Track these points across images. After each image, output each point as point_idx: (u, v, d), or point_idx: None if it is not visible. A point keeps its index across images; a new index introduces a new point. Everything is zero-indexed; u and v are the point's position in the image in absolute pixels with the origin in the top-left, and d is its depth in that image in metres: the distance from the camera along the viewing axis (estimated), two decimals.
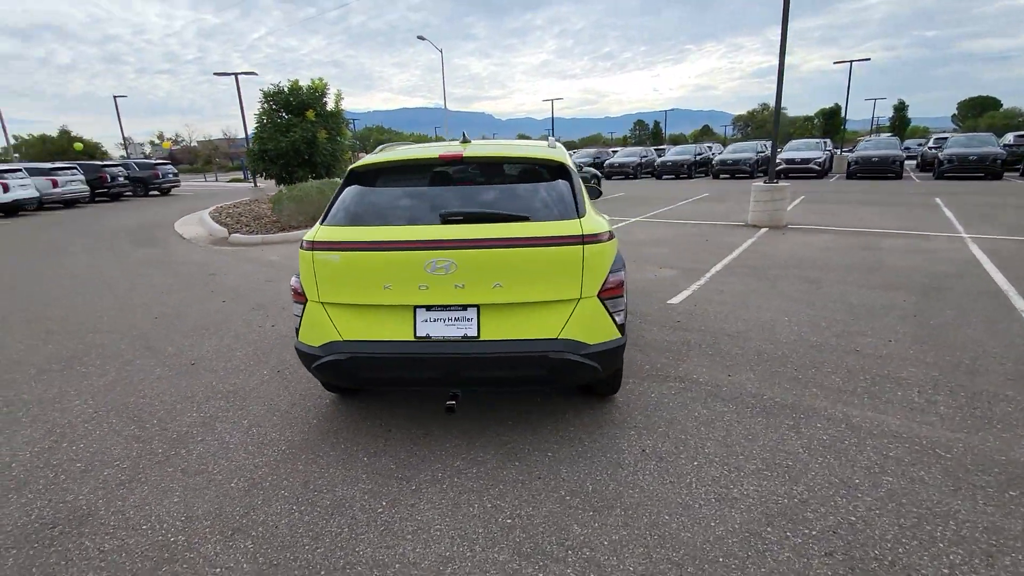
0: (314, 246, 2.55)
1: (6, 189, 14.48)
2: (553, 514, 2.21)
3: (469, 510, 2.26)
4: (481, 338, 2.49)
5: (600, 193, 5.17)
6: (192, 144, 61.22)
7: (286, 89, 13.24)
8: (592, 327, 2.58)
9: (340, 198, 2.74)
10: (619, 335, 2.69)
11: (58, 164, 18.71)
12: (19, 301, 6.19)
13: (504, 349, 2.47)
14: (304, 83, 13.66)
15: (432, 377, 2.55)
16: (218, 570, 1.97)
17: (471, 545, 2.05)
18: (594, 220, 2.62)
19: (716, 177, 21.72)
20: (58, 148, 38.99)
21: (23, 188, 16.14)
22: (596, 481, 2.43)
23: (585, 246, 2.48)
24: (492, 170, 2.78)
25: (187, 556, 2.05)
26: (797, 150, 20.26)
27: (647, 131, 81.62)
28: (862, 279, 5.73)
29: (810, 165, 19.09)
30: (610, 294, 2.61)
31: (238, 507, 2.33)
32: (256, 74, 14.26)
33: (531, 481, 2.45)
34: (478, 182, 2.74)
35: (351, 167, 2.84)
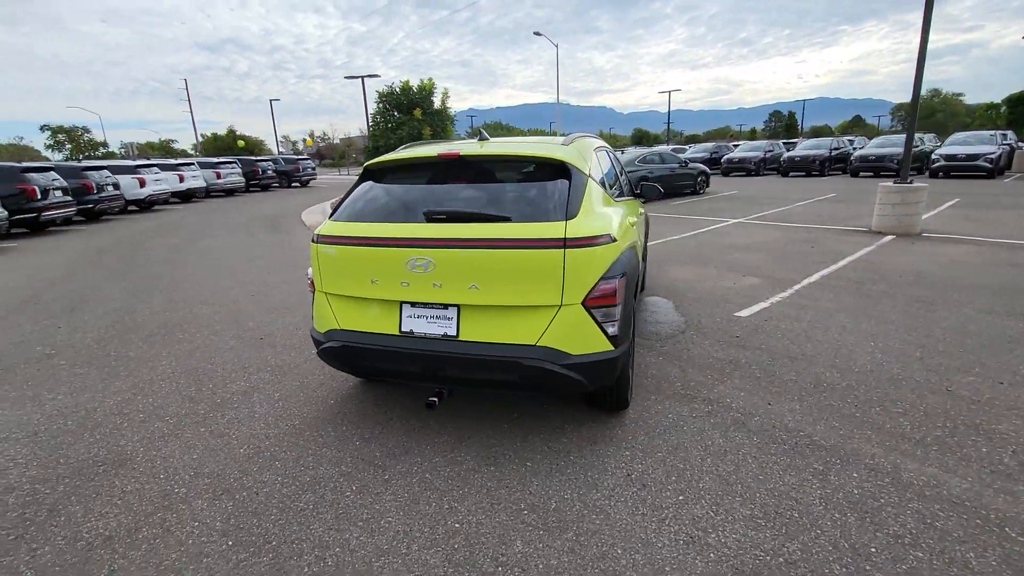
0: (318, 239, 2.73)
1: (181, 179, 17.52)
2: (503, 526, 2.14)
3: (425, 508, 2.27)
4: (460, 338, 2.48)
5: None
6: (335, 141, 68.55)
7: (398, 89, 14.23)
8: (575, 336, 2.42)
9: (350, 195, 2.89)
10: (610, 347, 2.49)
11: (221, 159, 22.15)
12: (164, 275, 7.45)
13: (480, 351, 2.43)
14: (416, 83, 14.55)
15: (415, 372, 2.60)
16: (196, 523, 2.21)
17: (409, 543, 2.06)
18: (589, 223, 2.45)
19: (855, 175, 18.98)
20: (225, 145, 46.17)
21: (194, 179, 19.34)
22: (562, 499, 2.29)
23: (567, 250, 2.33)
24: (489, 169, 2.73)
25: (180, 507, 2.33)
26: (962, 144, 16.92)
27: (783, 122, 73.92)
28: (993, 303, 4.65)
29: (977, 162, 15.81)
30: (599, 303, 2.43)
31: (236, 471, 2.59)
32: (379, 76, 15.57)
33: (498, 489, 2.38)
34: (474, 181, 2.71)
35: (365, 164, 2.97)
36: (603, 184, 3.12)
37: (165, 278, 7.17)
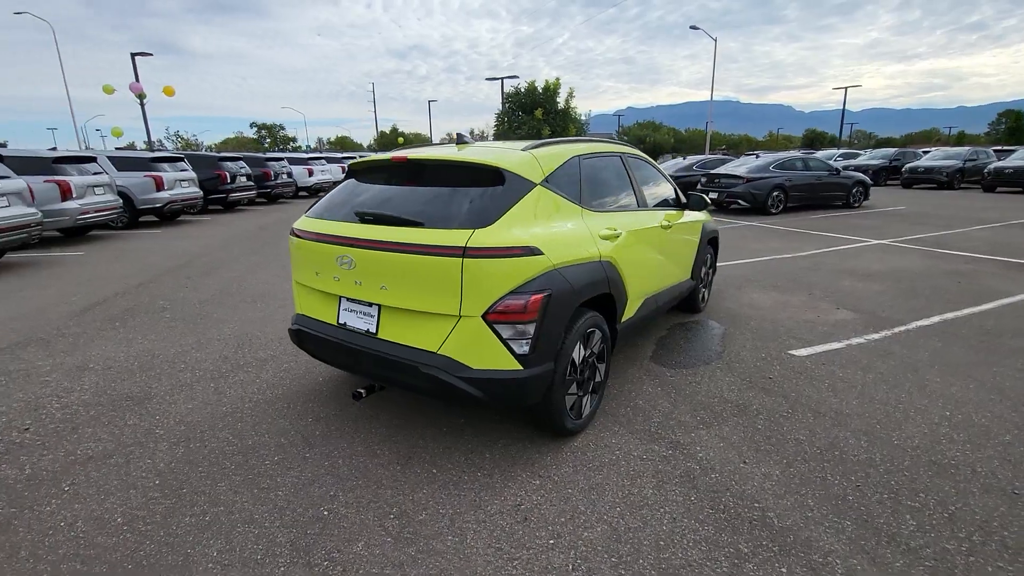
0: (291, 232, 3.01)
1: (311, 173, 20.22)
2: (361, 524, 2.16)
3: (316, 491, 2.39)
4: (378, 336, 2.55)
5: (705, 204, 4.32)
6: (489, 138, 73.19)
7: (523, 90, 14.59)
8: (475, 350, 2.32)
9: (328, 193, 3.13)
10: (518, 366, 2.34)
11: (352, 154, 25.09)
12: (270, 258, 8.76)
13: (389, 351, 2.47)
14: (542, 84, 14.77)
15: (346, 363, 2.74)
16: (148, 461, 2.63)
17: (276, 518, 2.20)
18: (503, 233, 2.31)
19: None
20: (389, 141, 51.94)
21: (323, 173, 22.05)
22: (435, 513, 2.23)
23: (465, 260, 2.24)
24: (432, 173, 2.71)
25: (149, 445, 2.79)
26: None
27: (1007, 125, 58.47)
28: None
29: None
30: (503, 318, 2.29)
31: (207, 425, 3.00)
32: (517, 77, 16.17)
33: (386, 488, 2.41)
34: (419, 185, 2.72)
35: (348, 165, 3.18)
36: (578, 194, 2.90)
37: (270, 259, 8.42)
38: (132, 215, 11.26)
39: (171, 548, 2.04)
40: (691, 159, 15.21)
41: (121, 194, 10.85)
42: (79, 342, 4.37)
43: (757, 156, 13.02)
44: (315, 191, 19.78)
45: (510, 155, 2.66)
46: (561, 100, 14.84)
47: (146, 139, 22.28)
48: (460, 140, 3.13)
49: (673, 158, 15.60)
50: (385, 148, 44.80)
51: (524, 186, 2.55)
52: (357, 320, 2.64)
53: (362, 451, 2.73)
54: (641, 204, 3.65)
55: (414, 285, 2.36)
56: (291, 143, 62.53)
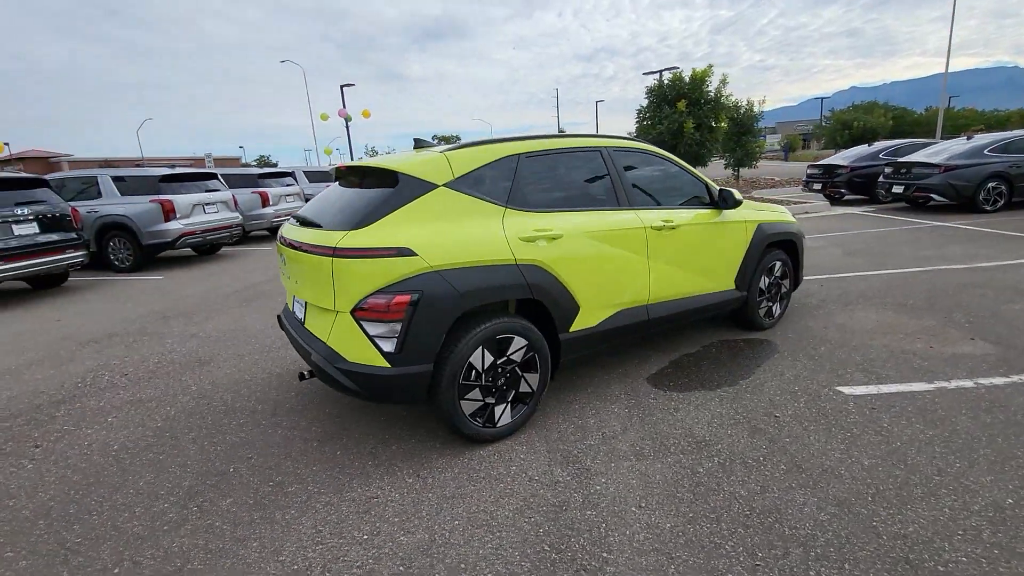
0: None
1: None
2: (241, 486, 2.47)
3: (233, 479, 2.80)
4: (305, 325, 2.84)
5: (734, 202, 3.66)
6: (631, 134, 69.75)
7: (666, 83, 13.63)
8: (349, 344, 2.44)
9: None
10: (384, 363, 2.39)
11: None
12: None
13: (305, 339, 2.74)
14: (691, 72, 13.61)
15: (295, 347, 3.10)
16: (137, 427, 3.39)
17: (163, 499, 2.66)
18: (375, 235, 2.38)
19: None
20: None
21: None
22: (301, 490, 2.42)
23: (335, 259, 2.37)
24: (356, 179, 2.87)
25: (161, 409, 3.58)
26: None
27: None
28: None
29: None
30: (368, 316, 2.36)
31: (216, 396, 3.70)
32: (679, 68, 15.04)
33: (284, 460, 2.69)
34: (351, 188, 2.91)
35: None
36: (505, 194, 2.77)
37: None
38: None
39: (142, 463, 2.65)
40: (880, 145, 12.30)
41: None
42: (209, 315, 5.70)
43: (969, 138, 9.91)
44: None
45: (414, 158, 2.70)
46: (712, 88, 13.45)
47: (350, 156, 27.10)
48: (418, 145, 3.24)
49: (869, 145, 12.83)
50: None
51: (420, 188, 2.57)
52: (299, 311, 2.99)
53: (303, 426, 3.07)
54: (626, 203, 3.27)
55: (308, 281, 2.60)
56: None
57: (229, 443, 2.91)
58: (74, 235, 7.15)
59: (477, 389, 2.64)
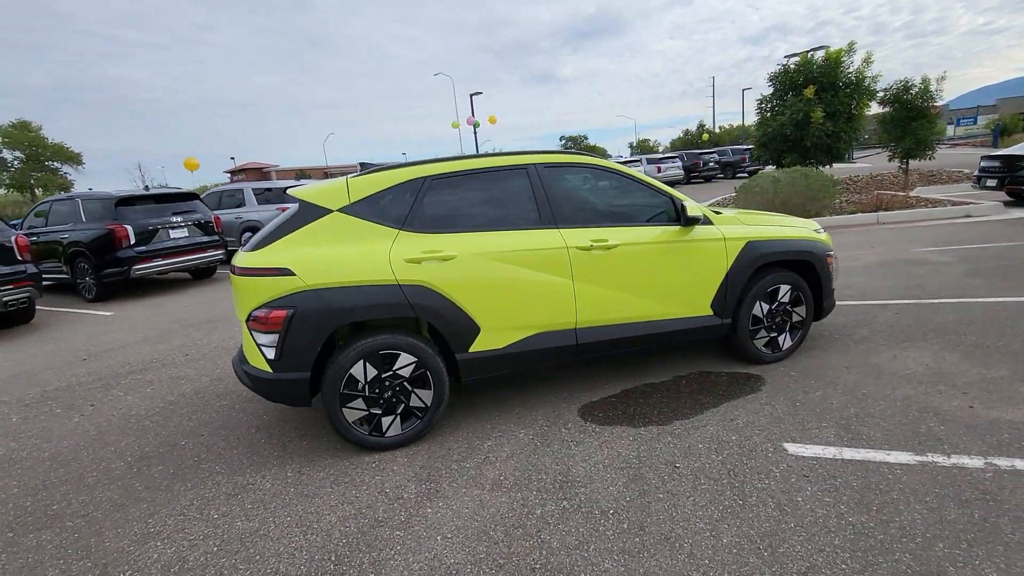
0: None
1: (659, 170, 21.16)
2: (175, 458, 3.01)
3: (191, 427, 3.38)
4: None
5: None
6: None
7: (792, 68, 11.87)
8: (249, 349, 2.81)
9: None
10: (267, 368, 2.71)
11: (664, 155, 24.61)
12: None
13: None
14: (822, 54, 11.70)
15: None
16: (129, 399, 4.19)
17: (151, 436, 3.29)
18: (264, 256, 2.72)
19: None
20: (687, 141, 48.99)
21: (672, 170, 22.52)
22: (211, 470, 2.87)
23: (233, 276, 2.76)
24: (291, 201, 3.21)
25: (218, 382, 4.38)
26: None
27: None
28: None
29: None
30: (254, 326, 2.70)
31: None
32: (826, 47, 12.80)
33: (227, 442, 3.17)
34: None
35: None
36: (403, 216, 2.89)
37: None
38: None
39: (136, 428, 3.41)
40: None
41: None
42: None
43: None
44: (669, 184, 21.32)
45: (321, 185, 2.96)
46: (852, 69, 11.36)
47: None
48: (363, 168, 3.50)
49: None
50: (689, 147, 42.87)
51: (316, 213, 2.83)
52: None
53: (258, 413, 3.57)
54: (551, 222, 3.12)
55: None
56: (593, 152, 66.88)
57: (201, 420, 3.53)
58: (216, 238, 8.96)
59: (360, 399, 2.83)
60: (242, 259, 2.80)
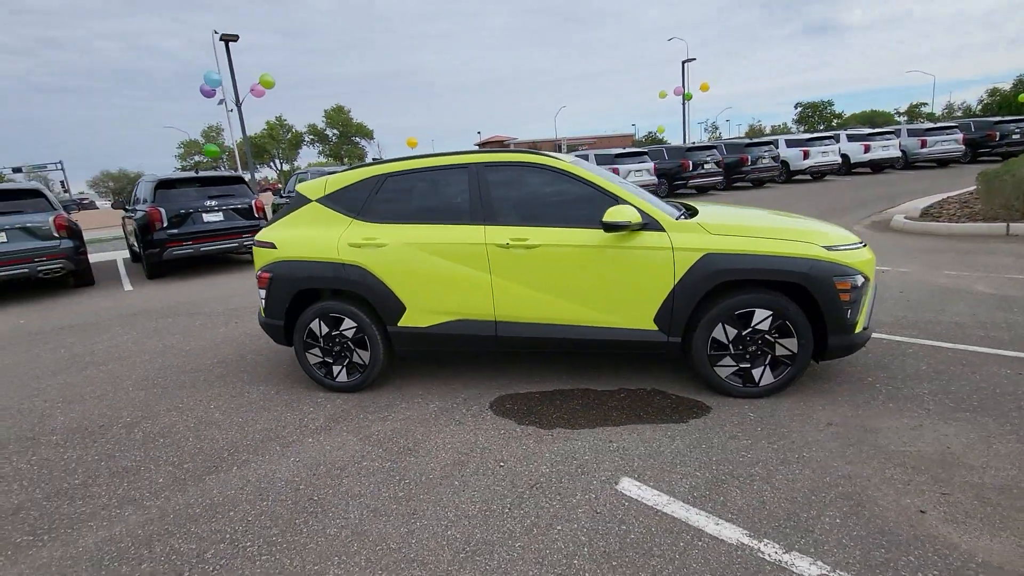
0: None
1: (806, 156, 17.12)
2: (187, 398, 4.33)
3: (199, 375, 4.69)
4: None
5: None
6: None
7: None
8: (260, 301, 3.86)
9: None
10: (263, 315, 3.72)
11: (934, 125, 18.61)
12: None
13: None
14: None
15: None
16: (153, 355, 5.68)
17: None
18: (264, 232, 3.66)
19: None
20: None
21: (884, 149, 17.99)
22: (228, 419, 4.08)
23: (253, 245, 3.78)
24: None
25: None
26: None
27: None
28: None
29: None
30: (257, 283, 3.70)
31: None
32: None
33: (237, 390, 4.38)
34: None
35: None
36: (359, 208, 3.48)
37: None
38: None
39: (152, 378, 4.97)
40: None
41: None
42: None
43: None
44: (817, 174, 17.87)
45: (310, 181, 3.74)
46: None
47: (683, 135, 26.58)
48: (374, 162, 4.16)
49: None
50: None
51: (301, 202, 3.65)
52: None
53: (252, 366, 4.72)
54: (481, 219, 3.30)
55: None
56: (834, 121, 52.12)
57: (204, 367, 4.86)
58: (255, 222, 8.21)
59: (318, 348, 3.63)
60: (258, 234, 3.84)
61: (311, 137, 53.20)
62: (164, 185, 8.15)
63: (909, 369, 3.40)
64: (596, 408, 3.19)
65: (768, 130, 68.64)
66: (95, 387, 4.06)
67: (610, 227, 3.03)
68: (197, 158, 54.48)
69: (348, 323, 3.51)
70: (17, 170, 35.35)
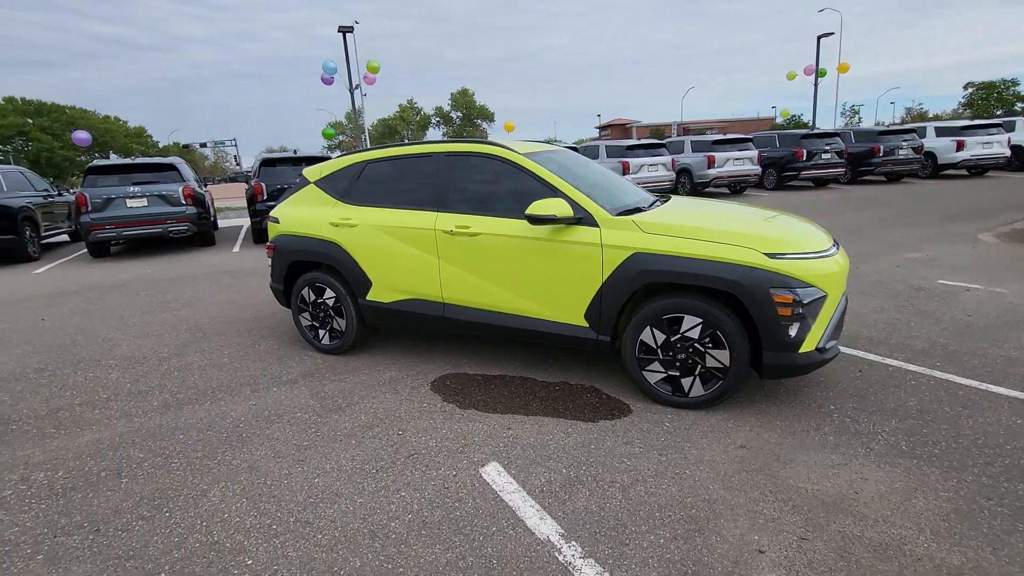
0: None
1: (960, 147, 13.87)
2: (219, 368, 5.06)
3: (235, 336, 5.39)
4: None
5: None
6: None
7: None
8: None
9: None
10: (271, 280, 4.31)
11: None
12: None
13: None
14: None
15: None
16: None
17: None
18: (277, 209, 4.21)
19: None
20: None
21: (984, 146, 14.33)
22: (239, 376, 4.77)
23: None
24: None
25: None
26: None
27: None
28: None
29: None
30: (267, 252, 4.29)
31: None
32: None
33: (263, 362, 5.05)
34: None
35: None
36: (344, 191, 3.86)
37: None
38: (691, 186, 14.23)
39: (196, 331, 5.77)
40: None
41: (684, 169, 14.05)
42: None
43: None
44: (973, 168, 14.83)
45: (313, 165, 4.18)
46: None
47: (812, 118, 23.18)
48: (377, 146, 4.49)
49: None
50: None
51: (303, 183, 4.13)
52: None
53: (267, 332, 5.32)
54: (440, 205, 3.48)
55: None
56: (1014, 105, 39.78)
57: (242, 320, 5.55)
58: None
59: (308, 313, 4.14)
60: (272, 210, 4.43)
61: (437, 119, 56.69)
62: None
63: (890, 403, 2.94)
64: (522, 397, 3.25)
65: (932, 115, 57.13)
66: (160, 327, 5.03)
67: (533, 220, 3.04)
68: (341, 138, 60.93)
69: (329, 293, 3.95)
70: (203, 145, 42.41)
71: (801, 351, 2.73)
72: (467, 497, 2.32)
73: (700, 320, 2.81)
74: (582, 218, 3.06)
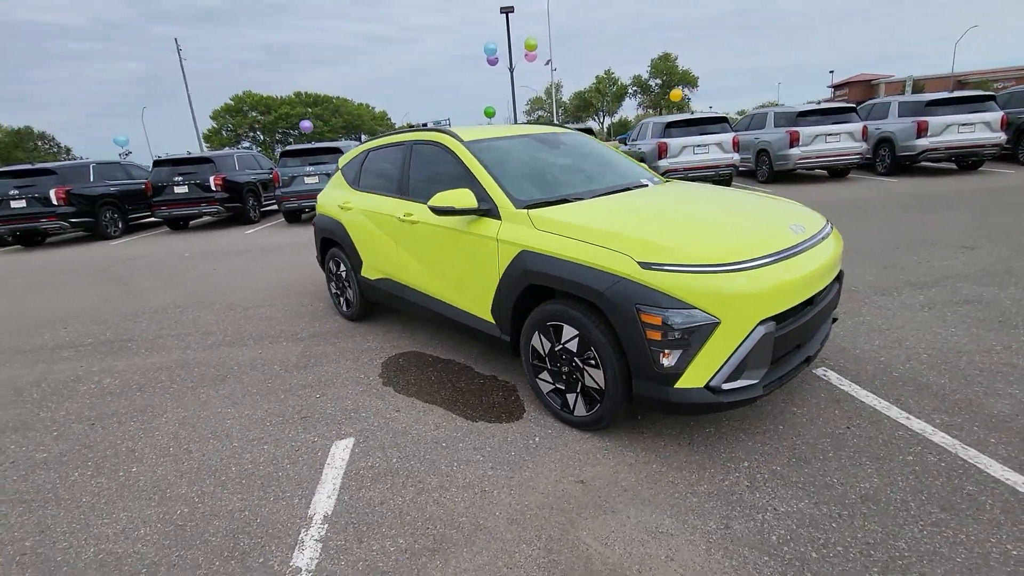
0: None
1: None
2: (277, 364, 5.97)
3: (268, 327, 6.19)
4: None
5: None
6: None
7: None
8: None
9: None
10: (317, 252, 5.09)
11: None
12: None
13: None
14: None
15: None
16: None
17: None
18: (322, 192, 4.88)
19: None
20: None
21: None
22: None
23: None
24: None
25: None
26: None
27: None
28: None
29: None
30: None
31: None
32: None
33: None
34: None
35: None
36: (354, 177, 4.32)
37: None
38: (892, 160, 11.17)
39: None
40: None
41: (885, 139, 11.07)
42: None
43: None
44: None
45: (347, 152, 4.70)
46: None
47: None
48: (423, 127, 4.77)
49: None
50: None
51: (336, 170, 4.71)
52: None
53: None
54: (407, 192, 3.65)
55: None
56: None
57: (288, 283, 6.33)
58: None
59: (333, 283, 4.78)
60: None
61: (634, 88, 54.18)
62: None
63: (839, 477, 2.17)
64: (444, 384, 3.32)
65: None
66: (269, 284, 6.31)
67: (434, 210, 3.00)
68: (540, 113, 63.32)
69: (343, 267, 4.52)
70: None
71: (678, 386, 2.22)
72: (300, 463, 2.59)
73: (576, 332, 2.50)
74: (489, 210, 2.93)
